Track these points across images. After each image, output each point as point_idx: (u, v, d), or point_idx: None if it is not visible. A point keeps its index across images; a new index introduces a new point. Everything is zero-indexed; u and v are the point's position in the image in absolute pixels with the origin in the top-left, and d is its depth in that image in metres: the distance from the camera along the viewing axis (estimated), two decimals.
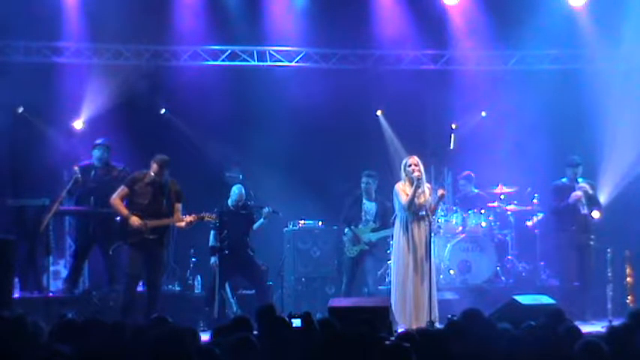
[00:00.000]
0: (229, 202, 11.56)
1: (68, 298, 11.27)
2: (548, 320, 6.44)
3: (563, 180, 11.49)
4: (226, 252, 11.11)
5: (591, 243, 11.24)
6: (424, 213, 10.06)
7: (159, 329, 5.93)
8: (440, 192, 10.18)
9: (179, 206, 10.21)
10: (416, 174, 10.02)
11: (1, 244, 10.13)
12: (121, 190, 10.16)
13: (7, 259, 10.06)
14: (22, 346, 5.05)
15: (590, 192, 11.23)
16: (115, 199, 10.14)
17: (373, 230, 11.38)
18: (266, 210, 11.67)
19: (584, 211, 11.12)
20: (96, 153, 11.73)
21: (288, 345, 5.68)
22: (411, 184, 10.08)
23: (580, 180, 11.26)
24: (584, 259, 11.25)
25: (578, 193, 11.15)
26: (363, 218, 11.51)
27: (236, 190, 11.62)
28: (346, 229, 11.52)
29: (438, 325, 9.50)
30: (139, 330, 5.73)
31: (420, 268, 10.03)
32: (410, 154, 10.46)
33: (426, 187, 10.22)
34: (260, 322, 6.40)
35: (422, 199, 10.08)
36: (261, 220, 11.74)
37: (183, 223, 10.21)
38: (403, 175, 10.19)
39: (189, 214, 10.31)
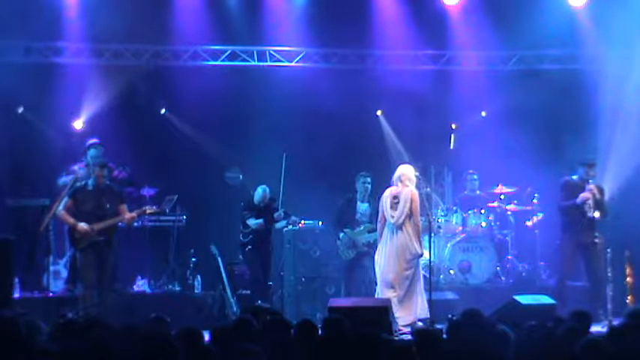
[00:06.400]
0: (255, 200, 12.01)
1: (68, 298, 11.27)
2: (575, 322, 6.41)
3: (574, 177, 11.23)
4: (249, 247, 11.85)
5: (596, 241, 11.11)
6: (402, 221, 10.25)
7: (155, 330, 5.95)
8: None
9: (124, 207, 10.53)
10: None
11: (1, 244, 10.13)
12: (66, 203, 10.46)
13: (7, 259, 10.07)
14: (15, 347, 5.05)
15: (598, 196, 11.02)
16: (62, 211, 10.45)
17: (370, 231, 11.40)
18: (293, 219, 12.10)
19: (590, 214, 10.98)
20: (92, 152, 11.72)
21: (290, 347, 5.69)
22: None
23: (591, 181, 11.05)
24: (591, 259, 11.10)
25: (587, 194, 10.97)
26: (359, 220, 11.54)
27: (260, 191, 12.04)
28: (342, 235, 11.55)
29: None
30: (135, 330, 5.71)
31: (394, 266, 10.20)
32: (410, 155, 10.52)
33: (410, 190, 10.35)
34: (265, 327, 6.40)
35: (394, 212, 10.23)
36: (285, 222, 12.09)
37: (125, 220, 10.53)
38: (414, 184, 10.36)
39: (132, 211, 10.61)
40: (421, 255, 10.32)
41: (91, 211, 10.34)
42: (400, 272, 10.16)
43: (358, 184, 11.64)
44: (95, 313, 9.70)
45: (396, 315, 9.94)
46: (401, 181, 10.34)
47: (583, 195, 10.96)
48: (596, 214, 11.05)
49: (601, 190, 11.21)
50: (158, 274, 12.58)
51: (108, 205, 10.38)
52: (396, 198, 10.28)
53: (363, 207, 11.59)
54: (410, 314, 10.09)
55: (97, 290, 10.30)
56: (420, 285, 10.24)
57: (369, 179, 11.57)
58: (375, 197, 11.46)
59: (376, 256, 10.46)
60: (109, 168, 11.25)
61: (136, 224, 12.42)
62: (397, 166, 10.74)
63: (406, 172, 10.43)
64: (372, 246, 11.38)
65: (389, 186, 10.53)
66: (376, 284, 10.73)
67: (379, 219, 10.46)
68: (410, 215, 10.21)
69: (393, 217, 10.21)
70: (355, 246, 11.48)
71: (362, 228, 11.51)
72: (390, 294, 10.09)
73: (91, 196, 10.39)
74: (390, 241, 10.25)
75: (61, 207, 10.44)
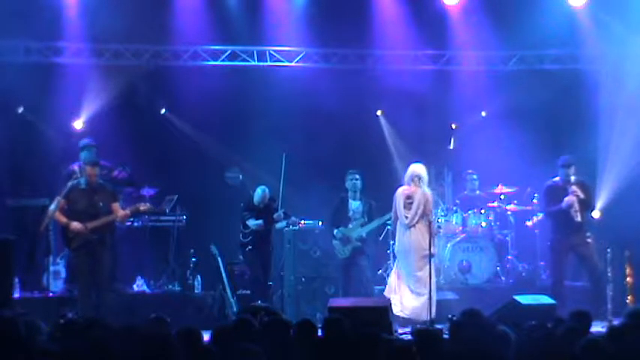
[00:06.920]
0: (254, 200, 11.98)
1: (68, 298, 11.27)
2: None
3: (556, 179, 11.17)
4: (249, 248, 11.85)
5: (589, 241, 11.11)
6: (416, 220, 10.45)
7: (155, 330, 5.95)
8: None
9: (117, 205, 10.50)
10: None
11: (1, 244, 10.13)
12: (59, 202, 10.41)
13: (7, 259, 10.07)
14: (15, 347, 5.05)
15: (582, 196, 10.94)
16: (55, 211, 10.39)
17: (362, 225, 11.44)
18: (293, 219, 12.13)
19: (578, 218, 10.94)
20: (85, 154, 11.58)
21: (290, 347, 5.69)
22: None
23: (572, 178, 10.97)
24: (586, 257, 11.06)
25: (571, 198, 10.89)
26: (352, 218, 11.56)
27: (259, 192, 12.02)
28: (335, 231, 11.55)
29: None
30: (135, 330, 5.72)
31: (412, 267, 10.45)
32: (410, 155, 10.56)
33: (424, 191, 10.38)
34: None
35: (407, 213, 10.46)
36: (284, 223, 12.10)
37: (118, 218, 10.53)
38: (426, 183, 10.60)
39: (125, 209, 10.58)
40: (433, 255, 10.45)
41: (84, 209, 10.29)
42: (415, 272, 10.41)
43: (347, 182, 11.66)
44: (94, 314, 9.70)
45: (411, 314, 10.22)
46: (413, 181, 10.49)
47: (567, 199, 10.88)
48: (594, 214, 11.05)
49: (584, 187, 11.09)
50: (158, 274, 12.59)
51: (101, 204, 10.33)
52: (409, 198, 10.46)
53: (354, 204, 11.60)
54: (421, 314, 10.23)
55: (95, 291, 10.29)
56: (433, 285, 10.31)
57: (357, 176, 11.59)
58: (367, 194, 11.54)
59: (397, 256, 10.74)
60: (104, 167, 11.26)
61: (136, 224, 12.46)
62: (396, 166, 10.79)
63: (419, 171, 10.58)
64: (365, 242, 11.43)
65: (399, 186, 10.70)
66: (374, 284, 10.82)
67: (392, 218, 10.78)
68: (423, 215, 10.45)
69: (407, 217, 10.43)
70: (350, 241, 11.47)
71: (355, 224, 11.51)
72: (409, 295, 10.32)
73: (84, 194, 10.33)
74: (404, 240, 10.52)
75: (52, 206, 10.38)
